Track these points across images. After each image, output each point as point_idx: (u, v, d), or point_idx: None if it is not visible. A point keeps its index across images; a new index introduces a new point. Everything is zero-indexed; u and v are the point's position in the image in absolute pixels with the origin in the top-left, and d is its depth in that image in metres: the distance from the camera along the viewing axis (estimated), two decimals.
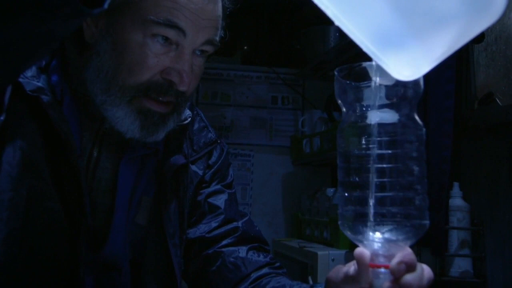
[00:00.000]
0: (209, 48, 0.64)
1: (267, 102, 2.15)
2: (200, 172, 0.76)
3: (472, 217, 1.28)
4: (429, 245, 1.28)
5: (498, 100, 1.25)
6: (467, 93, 1.33)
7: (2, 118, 0.56)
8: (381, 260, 0.47)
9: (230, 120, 2.10)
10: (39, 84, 0.59)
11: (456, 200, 1.28)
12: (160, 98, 0.62)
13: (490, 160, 1.27)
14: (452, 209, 1.28)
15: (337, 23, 0.40)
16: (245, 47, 2.21)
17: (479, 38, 1.28)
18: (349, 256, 1.50)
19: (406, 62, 0.41)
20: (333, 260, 1.49)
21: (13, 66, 0.46)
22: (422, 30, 0.39)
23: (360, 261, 0.47)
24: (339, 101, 0.51)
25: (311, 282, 1.43)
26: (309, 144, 1.92)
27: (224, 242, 0.75)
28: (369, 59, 0.47)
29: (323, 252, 1.50)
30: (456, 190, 1.29)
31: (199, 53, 0.64)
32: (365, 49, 0.41)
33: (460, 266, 1.25)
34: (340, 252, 1.52)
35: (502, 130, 1.22)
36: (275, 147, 2.13)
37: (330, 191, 1.72)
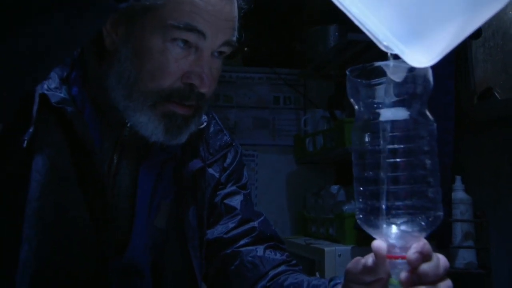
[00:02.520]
0: (227, 49, 0.65)
1: (269, 103, 2.16)
2: (217, 175, 0.77)
3: (474, 209, 1.30)
4: (434, 238, 1.31)
5: (497, 94, 1.27)
6: (467, 89, 1.35)
7: (30, 130, 0.57)
8: (398, 252, 0.48)
9: (233, 122, 2.11)
10: (62, 95, 0.61)
11: (459, 193, 1.30)
12: (183, 102, 0.63)
13: (491, 153, 1.29)
14: (455, 202, 1.30)
15: (354, 10, 0.41)
16: (246, 49, 2.23)
17: (477, 34, 1.30)
18: (355, 251, 1.52)
19: (421, 49, 0.43)
20: (339, 255, 1.51)
21: (33, 70, 0.46)
22: (435, 17, 0.40)
23: (377, 253, 0.48)
24: (352, 100, 0.53)
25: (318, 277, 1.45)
26: (312, 143, 1.94)
27: (241, 242, 0.76)
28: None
29: (329, 248, 1.52)
30: (458, 183, 1.31)
31: (217, 55, 0.65)
32: (380, 36, 0.43)
33: (465, 257, 1.27)
34: (346, 248, 1.53)
35: (502, 123, 1.25)
36: (278, 147, 2.14)
37: (334, 188, 1.74)
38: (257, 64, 2.19)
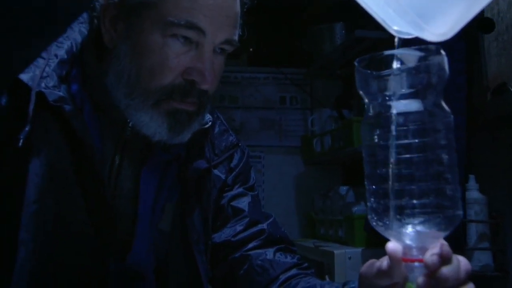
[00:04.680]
0: (228, 48, 0.64)
1: (275, 103, 2.14)
2: (223, 176, 0.75)
3: (489, 209, 1.26)
4: (448, 240, 1.26)
5: (511, 90, 1.23)
6: (479, 84, 1.31)
7: (27, 128, 0.56)
8: (415, 254, 0.45)
9: (239, 123, 2.10)
10: (61, 93, 0.59)
11: (473, 193, 1.27)
12: (185, 100, 0.62)
13: (506, 150, 1.25)
14: (469, 202, 1.26)
15: None
16: (251, 49, 2.21)
17: (489, 28, 1.26)
18: (366, 254, 1.49)
19: (438, 21, 0.40)
20: (350, 258, 1.48)
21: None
22: None
23: (392, 256, 0.45)
24: (361, 93, 0.50)
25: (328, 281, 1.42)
26: (320, 143, 1.92)
27: (250, 245, 0.73)
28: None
29: (339, 251, 1.49)
30: (472, 183, 1.27)
31: (219, 51, 0.63)
32: (398, 11, 0.40)
33: (480, 259, 1.23)
34: (357, 250, 1.50)
35: None
36: (285, 148, 2.12)
37: (343, 189, 1.71)
38: (263, 64, 2.18)
